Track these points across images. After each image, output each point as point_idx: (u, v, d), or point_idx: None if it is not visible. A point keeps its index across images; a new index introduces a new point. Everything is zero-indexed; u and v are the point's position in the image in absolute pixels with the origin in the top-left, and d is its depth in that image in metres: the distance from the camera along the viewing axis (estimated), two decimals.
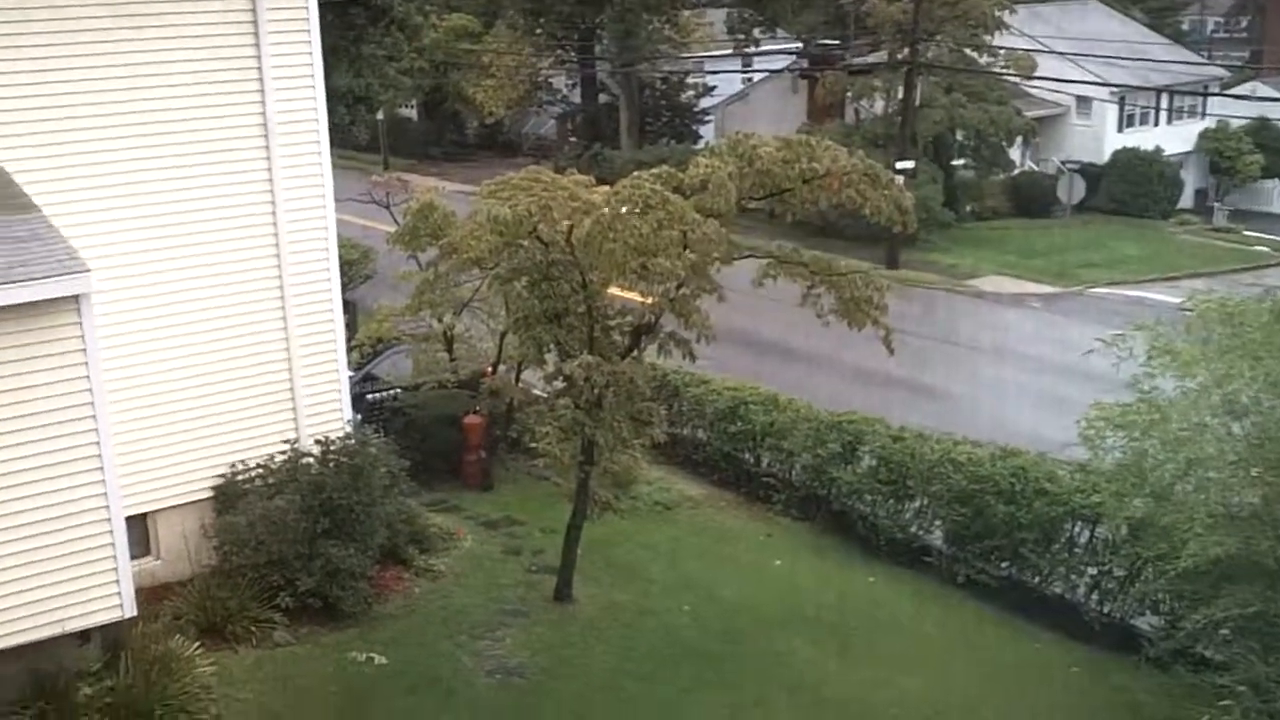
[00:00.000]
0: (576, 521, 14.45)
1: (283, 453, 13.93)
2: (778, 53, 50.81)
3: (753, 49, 51.65)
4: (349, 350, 15.44)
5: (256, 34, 13.43)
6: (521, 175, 15.33)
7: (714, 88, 53.50)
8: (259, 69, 13.51)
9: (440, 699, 12.37)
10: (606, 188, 14.25)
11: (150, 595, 12.69)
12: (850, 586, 16.43)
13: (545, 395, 15.89)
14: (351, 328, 16.60)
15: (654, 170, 13.51)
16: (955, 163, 44.00)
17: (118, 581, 11.42)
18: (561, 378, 13.82)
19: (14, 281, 10.68)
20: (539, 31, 52.19)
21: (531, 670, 13.06)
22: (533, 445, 15.58)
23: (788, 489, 18.93)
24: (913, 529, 17.60)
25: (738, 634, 14.42)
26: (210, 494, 13.81)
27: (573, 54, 52.93)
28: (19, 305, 10.67)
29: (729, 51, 52.38)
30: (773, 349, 27.91)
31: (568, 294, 13.77)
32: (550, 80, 55.02)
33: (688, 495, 19.13)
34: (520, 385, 18.20)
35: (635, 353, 13.99)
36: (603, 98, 54.63)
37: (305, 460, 13.86)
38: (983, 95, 42.21)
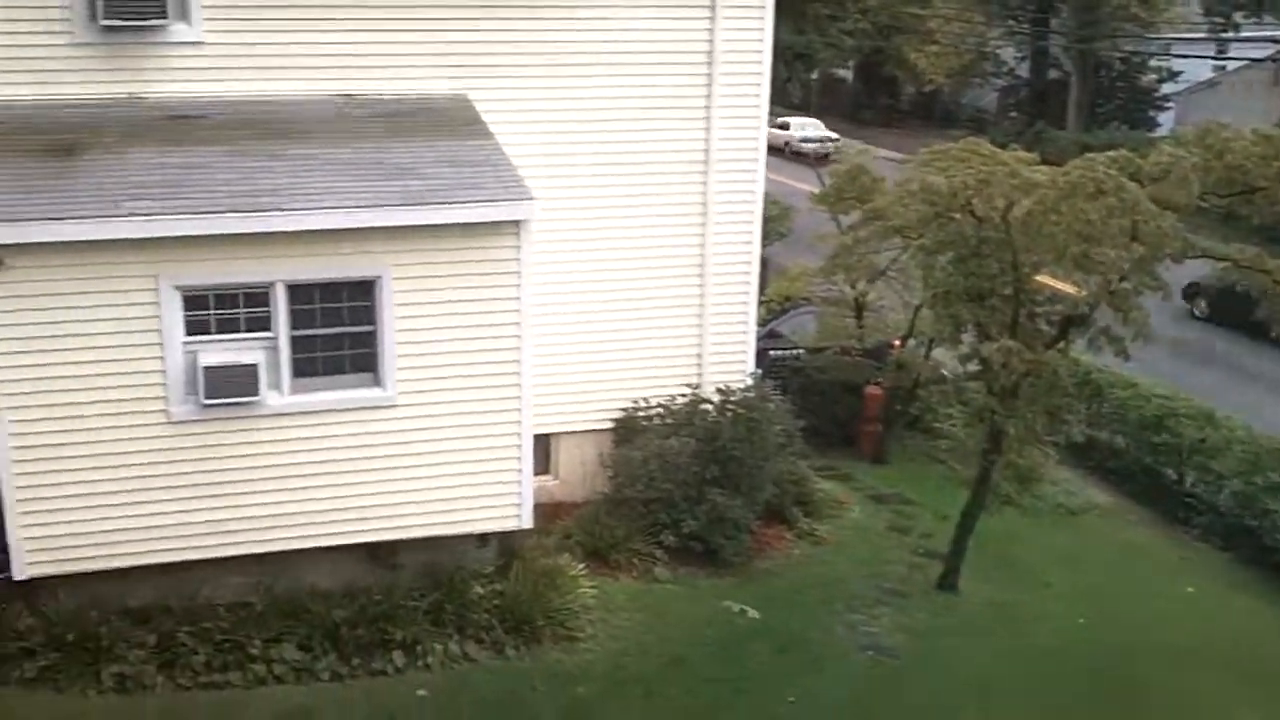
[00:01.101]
0: (972, 511, 13.83)
1: (684, 396, 14.13)
2: (1261, 40, 46.33)
3: (1230, 34, 47.40)
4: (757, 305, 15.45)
5: None
6: (960, 146, 14.79)
7: (1179, 73, 49.64)
8: (711, 19, 13.60)
9: (809, 663, 12.22)
10: (1047, 167, 13.47)
11: (545, 512, 13.24)
12: (1274, 629, 14.87)
13: (953, 376, 15.32)
14: (761, 283, 16.61)
15: (1109, 154, 12.62)
16: None
17: (520, 494, 12.03)
18: (977, 360, 13.21)
19: (464, 202, 11.36)
20: None
21: (906, 653, 12.66)
22: (935, 425, 15.09)
23: (1210, 513, 17.38)
24: None
25: (1134, 658, 13.36)
26: (610, 425, 14.24)
27: (1025, 25, 50.61)
28: (467, 224, 11.35)
29: (1202, 35, 48.35)
30: (1218, 361, 25.68)
31: (995, 274, 13.12)
32: (997, 51, 52.95)
33: (1095, 503, 17.96)
34: (929, 362, 17.65)
35: (1061, 344, 13.15)
36: (1051, 74, 51.98)
37: (704, 406, 14.00)
38: None
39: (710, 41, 13.66)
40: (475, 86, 12.86)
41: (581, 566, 12.68)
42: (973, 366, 13.53)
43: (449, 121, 12.49)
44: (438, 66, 12.78)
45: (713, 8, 13.57)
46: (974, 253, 13.16)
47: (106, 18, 11.58)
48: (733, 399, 13.97)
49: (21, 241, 10.39)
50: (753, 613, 12.90)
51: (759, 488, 13.81)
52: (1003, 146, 15.17)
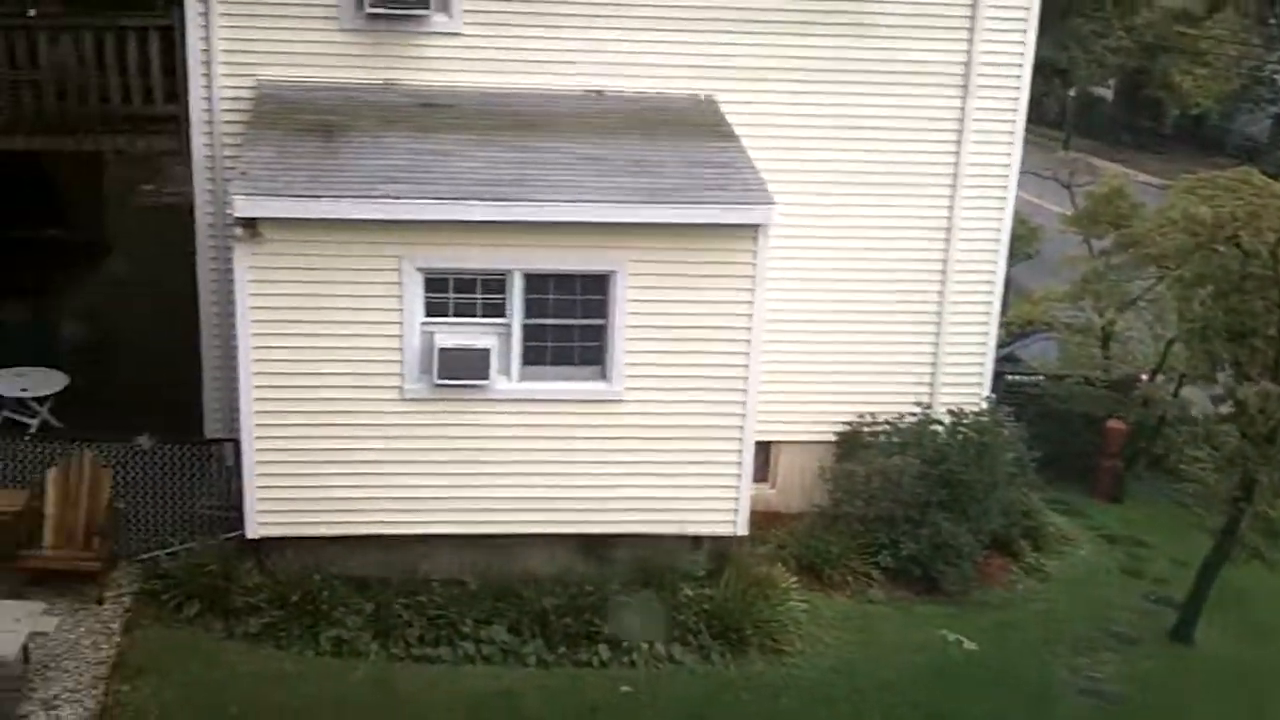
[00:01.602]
0: (1215, 561, 12.95)
1: (912, 414, 13.69)
2: None
3: None
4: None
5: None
6: (1229, 176, 13.96)
7: None
8: (969, 36, 13.15)
9: (1026, 702, 11.68)
10: None
11: (760, 520, 13.03)
12: None
13: (1204, 417, 14.41)
14: (1002, 305, 15.99)
15: None
16: None
17: (737, 499, 11.94)
18: (1232, 402, 12.38)
19: (703, 202, 11.31)
20: (1274, 20, 47.29)
21: (1131, 702, 11.95)
22: (1180, 467, 14.20)
23: None
24: None
25: None
26: (833, 438, 13.92)
27: None
28: (705, 225, 11.30)
29: None
30: None
31: (1259, 312, 12.27)
32: (1275, 76, 49.82)
33: None
34: (1178, 400, 16.68)
35: None
36: None
37: (933, 427, 13.54)
38: None
39: (967, 57, 13.20)
40: (723, 89, 12.76)
41: (793, 579, 12.45)
42: (1226, 408, 12.68)
43: (694, 122, 12.45)
44: (687, 67, 12.73)
45: (972, 24, 13.12)
46: (1237, 288, 12.35)
47: (372, 6, 11.99)
48: (965, 421, 13.47)
49: (279, 216, 10.85)
50: (969, 644, 12.41)
51: (986, 515, 13.28)
52: (1275, 178, 14.22)
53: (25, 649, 10.30)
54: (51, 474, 11.69)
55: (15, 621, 10.40)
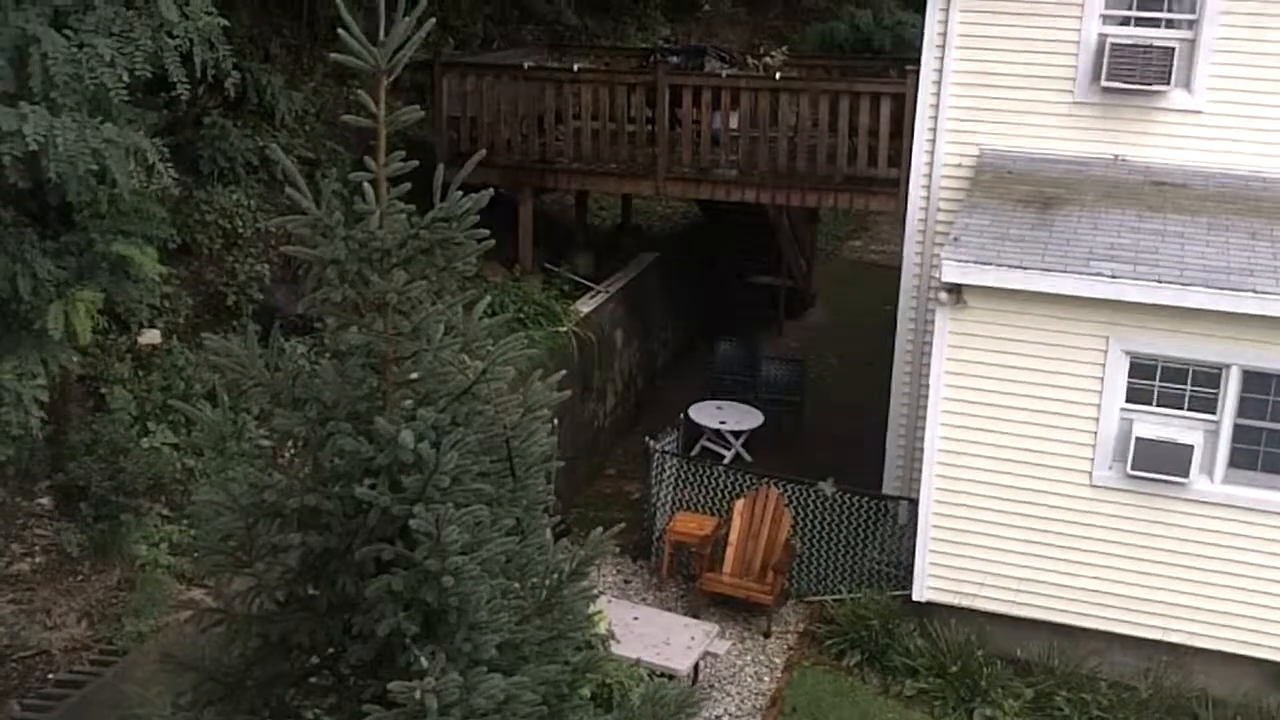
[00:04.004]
0: None
1: None
2: None
3: None
4: None
5: None
6: None
7: None
8: None
9: None
10: None
11: None
12: None
13: None
14: None
15: None
16: None
17: None
18: None
19: None
20: None
21: None
22: None
23: None
24: None
25: None
26: None
27: None
28: None
29: None
30: None
31: None
32: None
33: None
34: None
35: None
36: None
37: None
38: None
39: None
40: None
41: None
42: None
43: None
44: None
45: None
46: None
47: (1109, 80, 11.62)
48: None
49: (985, 284, 10.82)
50: None
51: None
52: None
53: (696, 667, 11.09)
54: (739, 505, 12.53)
55: (692, 639, 11.26)
